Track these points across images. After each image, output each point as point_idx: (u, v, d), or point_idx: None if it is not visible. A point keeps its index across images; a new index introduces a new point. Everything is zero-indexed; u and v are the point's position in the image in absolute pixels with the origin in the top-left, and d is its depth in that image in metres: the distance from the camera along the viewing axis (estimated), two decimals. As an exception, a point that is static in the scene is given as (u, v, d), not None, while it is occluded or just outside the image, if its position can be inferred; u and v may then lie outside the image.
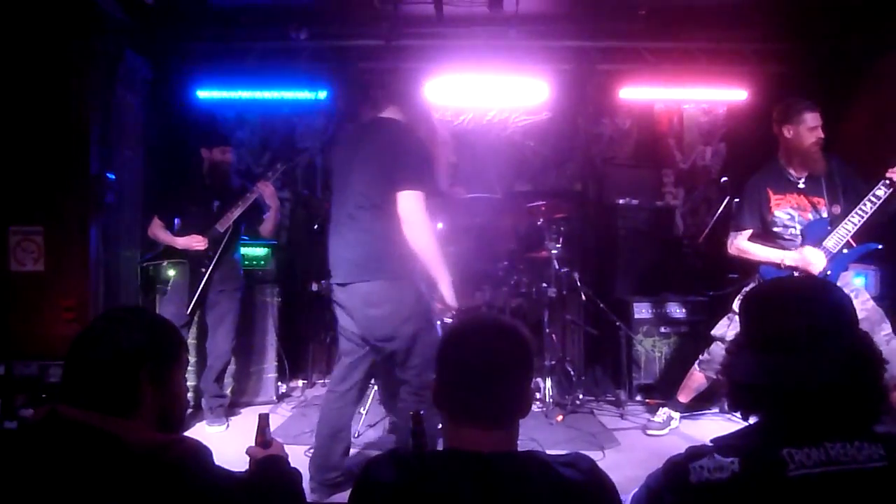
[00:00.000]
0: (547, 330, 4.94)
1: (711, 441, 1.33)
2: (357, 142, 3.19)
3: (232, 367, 4.66)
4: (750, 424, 1.34)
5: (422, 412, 1.60)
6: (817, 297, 1.37)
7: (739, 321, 1.43)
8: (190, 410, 4.56)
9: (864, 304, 3.60)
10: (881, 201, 3.45)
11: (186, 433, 4.15)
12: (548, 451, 1.44)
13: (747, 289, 2.77)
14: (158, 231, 4.39)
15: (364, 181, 3.04)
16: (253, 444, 1.90)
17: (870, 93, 5.00)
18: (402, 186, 2.94)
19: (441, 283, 3.11)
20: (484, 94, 5.70)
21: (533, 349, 1.47)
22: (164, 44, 5.28)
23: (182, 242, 4.29)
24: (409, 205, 2.95)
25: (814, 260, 3.54)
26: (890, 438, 1.26)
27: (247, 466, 1.85)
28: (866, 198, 3.49)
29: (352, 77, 5.76)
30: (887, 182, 3.44)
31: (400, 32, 5.17)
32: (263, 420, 1.96)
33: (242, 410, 4.75)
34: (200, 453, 1.40)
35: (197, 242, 4.26)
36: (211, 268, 4.27)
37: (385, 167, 2.98)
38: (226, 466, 1.58)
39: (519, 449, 1.42)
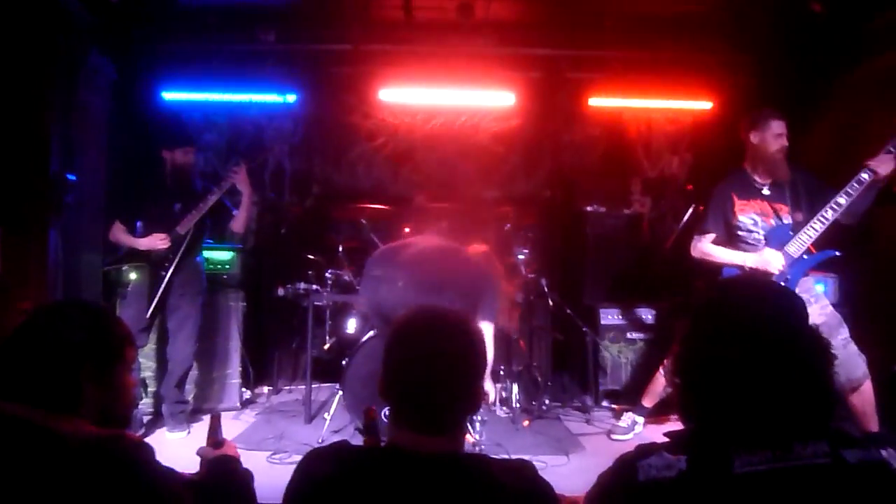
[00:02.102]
0: (514, 336, 4.94)
1: (665, 435, 1.33)
2: None
3: (194, 373, 4.58)
4: (699, 423, 1.33)
5: (374, 407, 1.58)
6: (770, 299, 1.37)
7: (691, 325, 1.42)
8: (150, 417, 4.48)
9: (823, 310, 3.67)
10: (862, 188, 3.50)
11: (147, 440, 4.10)
12: (513, 457, 1.43)
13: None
14: (119, 234, 4.32)
15: None
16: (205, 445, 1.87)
17: (833, 105, 5.10)
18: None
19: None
20: (453, 99, 5.71)
21: (482, 345, 1.43)
22: (130, 44, 5.19)
23: (144, 243, 4.22)
24: None
25: (772, 260, 3.60)
26: (835, 435, 1.27)
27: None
28: (828, 205, 3.55)
29: (320, 80, 5.73)
30: (867, 170, 3.50)
31: (369, 37, 5.16)
32: (214, 420, 1.93)
33: (205, 417, 4.67)
34: (141, 449, 1.36)
35: (160, 241, 4.18)
36: (171, 271, 4.20)
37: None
38: (186, 471, 1.54)
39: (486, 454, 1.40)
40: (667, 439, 1.33)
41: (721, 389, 1.28)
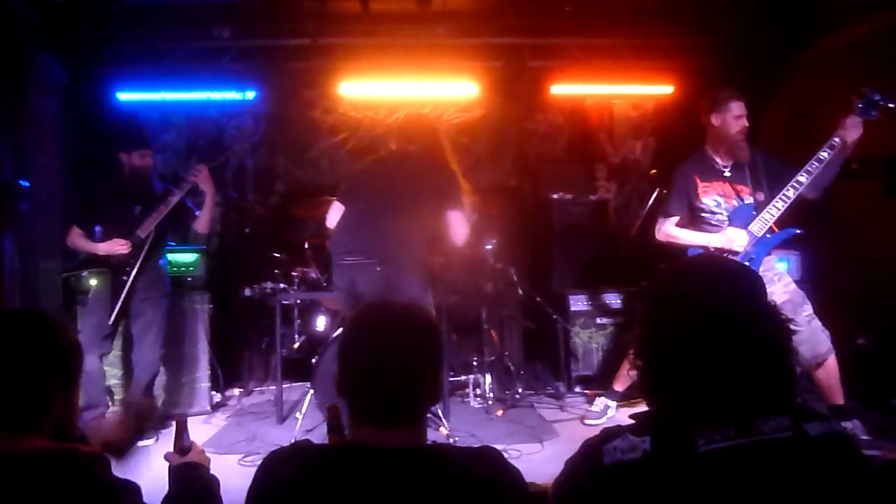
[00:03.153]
0: (485, 326, 4.95)
1: (630, 417, 1.33)
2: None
3: (162, 379, 4.49)
4: (662, 403, 1.33)
5: (339, 405, 1.55)
6: (726, 276, 1.37)
7: (650, 305, 1.41)
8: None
9: (786, 287, 3.72)
10: (835, 151, 3.51)
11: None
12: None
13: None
14: (78, 240, 4.21)
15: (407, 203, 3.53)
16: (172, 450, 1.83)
17: (789, 86, 5.18)
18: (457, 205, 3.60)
19: None
20: (416, 91, 5.67)
21: (439, 336, 1.41)
22: (79, 45, 5.06)
23: (103, 248, 4.10)
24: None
25: (736, 238, 3.63)
26: (796, 409, 1.28)
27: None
28: (789, 184, 3.58)
29: (280, 76, 5.65)
30: (832, 144, 3.52)
31: (326, 30, 5.09)
32: (180, 425, 1.88)
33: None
34: (95, 462, 1.32)
35: (119, 246, 4.07)
36: (133, 276, 4.10)
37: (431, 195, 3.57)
38: (155, 480, 1.50)
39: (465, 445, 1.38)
40: (632, 422, 1.33)
41: (681, 368, 1.27)
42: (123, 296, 4.08)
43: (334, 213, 3.73)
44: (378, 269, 3.44)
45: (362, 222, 3.58)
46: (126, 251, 4.09)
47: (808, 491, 1.19)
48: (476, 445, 1.44)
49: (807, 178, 3.55)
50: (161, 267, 4.35)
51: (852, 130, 3.49)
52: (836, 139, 3.51)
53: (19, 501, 1.21)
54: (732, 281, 1.35)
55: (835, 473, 1.22)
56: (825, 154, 3.53)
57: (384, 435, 1.31)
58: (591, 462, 1.27)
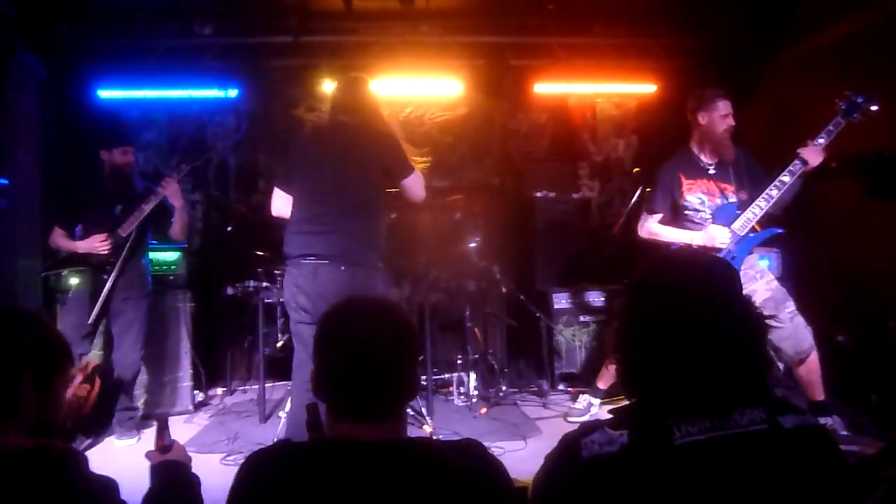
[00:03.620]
0: (469, 324, 4.95)
1: (609, 412, 1.34)
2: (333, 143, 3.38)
3: (143, 378, 4.46)
4: (640, 398, 1.34)
5: (317, 403, 1.54)
6: (702, 269, 1.39)
7: (628, 298, 1.43)
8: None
9: (768, 285, 3.75)
10: (794, 177, 3.58)
11: (96, 447, 3.98)
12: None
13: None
14: (59, 240, 4.17)
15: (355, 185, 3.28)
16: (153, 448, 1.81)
17: (770, 86, 5.23)
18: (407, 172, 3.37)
19: None
20: (399, 89, 5.66)
21: (414, 330, 1.42)
22: (60, 41, 4.99)
23: (83, 246, 4.07)
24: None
25: (718, 235, 3.66)
26: (771, 401, 1.29)
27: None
28: (773, 183, 3.62)
29: (263, 74, 5.62)
30: (799, 159, 3.58)
31: (309, 28, 5.07)
32: (161, 424, 1.87)
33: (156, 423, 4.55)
34: (71, 459, 1.30)
35: (99, 243, 4.03)
36: (114, 275, 4.06)
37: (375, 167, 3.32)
38: (136, 480, 1.48)
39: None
40: (611, 416, 1.33)
41: (657, 360, 1.29)
42: (104, 295, 4.03)
43: (277, 200, 3.46)
44: (342, 268, 3.19)
45: (314, 217, 3.27)
46: (106, 249, 4.05)
47: (782, 482, 1.20)
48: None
49: (790, 178, 3.60)
50: (142, 266, 4.31)
51: (814, 157, 3.56)
52: (796, 164, 3.59)
53: None
54: (708, 274, 1.37)
55: (809, 465, 1.23)
56: (799, 163, 3.59)
57: (366, 429, 1.31)
58: (569, 456, 1.28)
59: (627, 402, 1.38)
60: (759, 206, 3.65)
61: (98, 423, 4.09)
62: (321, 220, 3.25)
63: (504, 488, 1.34)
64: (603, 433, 1.26)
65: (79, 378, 1.76)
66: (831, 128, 3.58)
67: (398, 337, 1.36)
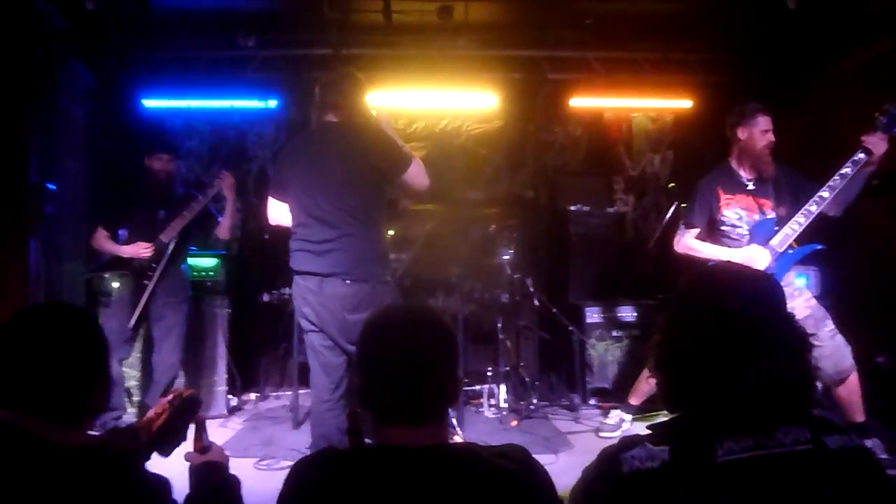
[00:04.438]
0: (501, 336, 4.95)
1: (647, 428, 1.34)
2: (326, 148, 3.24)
3: (181, 381, 4.54)
4: (682, 414, 1.34)
5: (358, 410, 1.57)
6: (748, 285, 1.38)
7: (672, 312, 1.42)
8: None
9: (807, 302, 3.70)
10: (857, 167, 3.51)
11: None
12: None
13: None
14: (103, 241, 4.30)
15: (351, 191, 3.16)
16: (192, 450, 1.85)
17: (809, 103, 5.17)
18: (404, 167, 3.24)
19: None
20: (435, 102, 5.72)
21: (455, 336, 1.44)
22: (107, 52, 5.17)
23: (128, 251, 4.18)
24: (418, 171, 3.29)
25: (759, 257, 3.61)
26: (816, 421, 1.28)
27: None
28: (812, 199, 3.57)
29: (302, 86, 5.72)
30: (863, 149, 3.50)
31: (349, 41, 5.16)
32: (200, 425, 1.90)
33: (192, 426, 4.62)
34: (131, 458, 1.35)
35: (144, 249, 4.15)
36: (155, 280, 4.17)
37: (369, 169, 3.18)
38: (175, 480, 1.52)
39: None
40: (649, 431, 1.34)
41: (700, 376, 1.28)
42: (144, 299, 4.14)
43: (272, 209, 3.38)
44: (347, 282, 3.13)
45: (315, 234, 3.17)
46: (149, 254, 4.16)
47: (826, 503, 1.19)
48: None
49: (829, 194, 3.53)
50: (183, 272, 4.44)
51: (878, 145, 3.48)
52: (860, 155, 3.50)
53: (56, 494, 1.24)
54: (754, 289, 1.36)
55: (854, 487, 1.22)
56: (848, 169, 3.51)
57: (413, 433, 1.33)
58: (609, 470, 1.28)
59: (664, 419, 1.38)
60: (799, 223, 3.59)
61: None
62: (322, 236, 3.15)
63: (548, 493, 1.35)
64: (644, 449, 1.26)
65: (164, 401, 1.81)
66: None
67: (439, 341, 1.39)
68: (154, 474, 1.41)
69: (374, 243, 3.21)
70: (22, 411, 1.34)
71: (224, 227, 4.42)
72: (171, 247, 4.22)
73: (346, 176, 3.16)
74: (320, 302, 3.16)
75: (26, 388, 1.36)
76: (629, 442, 1.30)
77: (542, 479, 1.35)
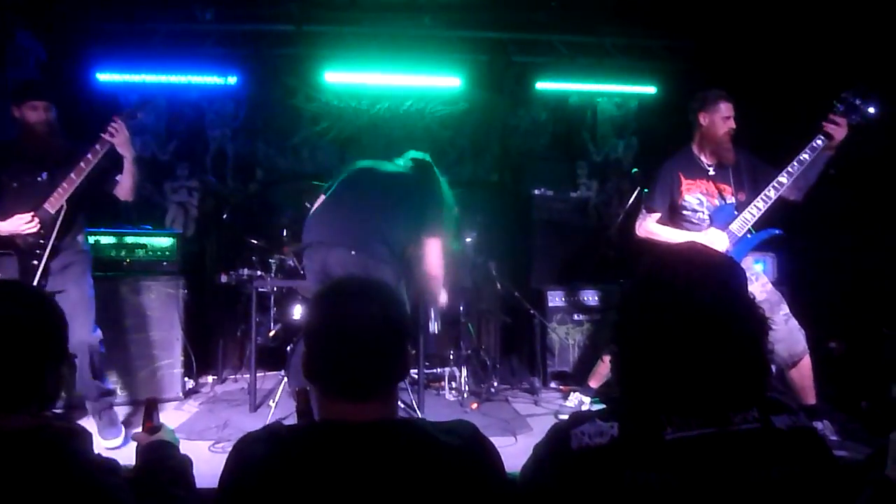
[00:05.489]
0: (463, 320, 4.94)
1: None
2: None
3: (134, 363, 4.42)
4: (635, 390, 1.33)
5: (308, 388, 1.53)
6: (706, 266, 1.35)
7: (629, 291, 1.40)
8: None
9: (763, 287, 3.75)
10: (816, 153, 3.54)
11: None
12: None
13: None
14: None
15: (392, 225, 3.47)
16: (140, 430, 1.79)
17: (770, 87, 5.22)
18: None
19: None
20: (399, 82, 5.65)
21: (404, 310, 1.41)
22: (59, 22, 4.98)
23: (5, 228, 3.35)
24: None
25: (717, 241, 3.64)
26: (764, 402, 1.28)
27: None
28: (770, 184, 3.60)
29: (263, 62, 5.61)
30: (823, 134, 3.53)
31: (311, 17, 5.06)
32: (151, 405, 1.85)
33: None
34: (73, 437, 1.29)
35: (25, 224, 3.35)
36: (45, 260, 3.42)
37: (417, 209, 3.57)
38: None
39: None
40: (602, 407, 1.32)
41: (654, 356, 1.27)
42: (36, 282, 3.41)
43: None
44: (352, 252, 3.36)
45: (337, 210, 3.53)
46: (33, 230, 3.38)
47: (773, 482, 1.19)
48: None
49: (788, 179, 3.57)
50: (80, 244, 3.66)
51: (838, 131, 3.51)
52: (818, 141, 3.54)
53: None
54: (717, 271, 1.34)
55: (800, 466, 1.23)
56: (806, 155, 3.55)
57: (358, 409, 1.30)
58: (558, 446, 1.27)
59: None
60: (758, 208, 3.63)
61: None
62: (344, 216, 3.46)
63: (495, 468, 1.34)
64: (593, 424, 1.25)
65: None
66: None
67: (388, 314, 1.35)
68: (99, 455, 1.35)
69: (388, 243, 3.44)
70: None
71: (124, 188, 3.63)
72: (61, 217, 3.44)
73: (394, 199, 3.54)
74: (324, 269, 3.38)
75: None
76: (579, 417, 1.29)
77: (489, 455, 1.33)
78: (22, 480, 1.20)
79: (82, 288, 3.57)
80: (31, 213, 3.36)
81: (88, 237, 3.88)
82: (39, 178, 3.46)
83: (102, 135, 3.42)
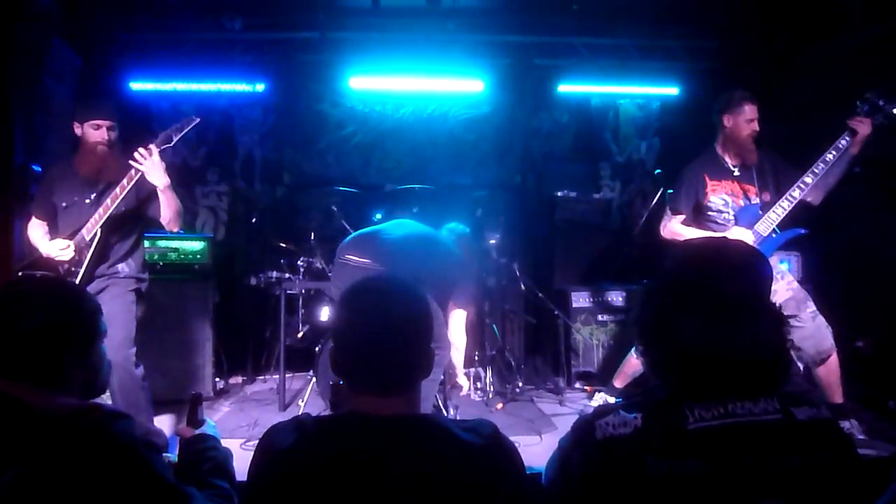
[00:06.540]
0: (487, 320, 4.99)
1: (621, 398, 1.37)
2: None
3: (168, 363, 4.53)
4: (657, 383, 1.37)
5: (341, 382, 1.59)
6: (730, 259, 1.39)
7: (655, 284, 1.44)
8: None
9: (790, 285, 3.74)
10: (841, 152, 3.55)
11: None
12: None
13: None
14: (33, 233, 3.48)
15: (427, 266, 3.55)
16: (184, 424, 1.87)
17: (794, 89, 5.21)
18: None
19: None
20: (423, 87, 5.72)
21: (427, 306, 1.46)
22: (94, 33, 5.12)
23: (45, 250, 3.30)
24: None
25: (742, 238, 3.64)
26: (785, 394, 1.32)
27: None
28: (795, 184, 3.61)
29: (290, 69, 5.71)
30: (848, 131, 3.55)
31: (336, 24, 5.14)
32: (196, 400, 1.92)
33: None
34: (117, 420, 1.36)
35: (61, 250, 3.25)
36: (80, 281, 3.27)
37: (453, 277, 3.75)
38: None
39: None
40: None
41: (677, 346, 1.31)
42: None
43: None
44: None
45: (377, 240, 3.72)
46: (67, 257, 3.27)
47: (793, 471, 1.22)
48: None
49: (813, 179, 3.58)
50: (120, 271, 3.45)
51: (862, 126, 3.52)
52: (843, 141, 3.55)
53: (36, 455, 1.25)
54: (745, 264, 1.38)
55: (820, 457, 1.25)
56: (831, 155, 3.55)
57: (381, 402, 1.36)
58: (583, 437, 1.32)
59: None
60: (783, 207, 3.63)
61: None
62: (388, 254, 3.60)
63: (514, 468, 1.37)
64: (617, 416, 1.29)
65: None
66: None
67: (411, 312, 1.41)
68: (143, 438, 1.42)
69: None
70: (9, 377, 1.35)
71: (164, 218, 3.42)
72: (94, 245, 3.29)
73: (434, 262, 3.66)
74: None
75: (11, 355, 1.38)
76: (604, 410, 1.33)
77: (508, 454, 1.37)
78: (68, 458, 1.27)
79: (108, 307, 3.07)
80: (68, 239, 3.28)
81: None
82: (87, 200, 3.37)
83: (131, 161, 3.23)
